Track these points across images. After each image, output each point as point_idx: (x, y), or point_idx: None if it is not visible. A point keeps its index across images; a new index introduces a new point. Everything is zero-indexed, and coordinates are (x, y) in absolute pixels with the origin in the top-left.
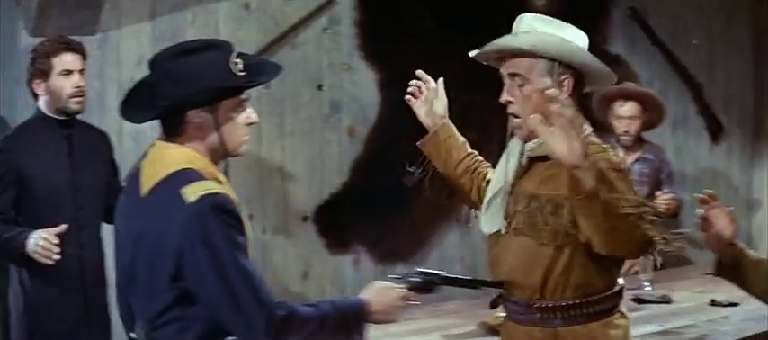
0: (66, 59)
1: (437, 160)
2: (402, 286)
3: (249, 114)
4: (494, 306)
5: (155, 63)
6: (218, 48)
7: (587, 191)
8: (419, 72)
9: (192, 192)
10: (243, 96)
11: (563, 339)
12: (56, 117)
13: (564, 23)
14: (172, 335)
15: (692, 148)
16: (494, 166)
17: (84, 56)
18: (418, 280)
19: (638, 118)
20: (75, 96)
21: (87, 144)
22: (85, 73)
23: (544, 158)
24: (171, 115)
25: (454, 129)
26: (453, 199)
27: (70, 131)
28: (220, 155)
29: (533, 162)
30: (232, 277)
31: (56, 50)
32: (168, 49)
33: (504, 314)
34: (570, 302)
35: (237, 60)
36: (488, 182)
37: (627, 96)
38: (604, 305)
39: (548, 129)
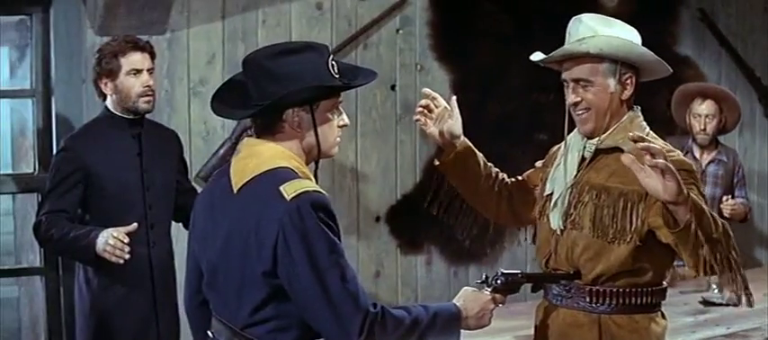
0: (135, 59)
1: (458, 180)
2: (488, 290)
3: (343, 116)
4: (536, 289)
5: (250, 62)
6: (316, 49)
7: (683, 224)
8: (426, 90)
9: (290, 190)
10: (339, 99)
11: (606, 326)
12: (124, 116)
13: (616, 20)
14: (267, 334)
15: (758, 150)
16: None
17: (152, 55)
18: (503, 281)
19: (715, 117)
20: (144, 95)
21: (157, 143)
22: (154, 72)
23: (611, 150)
24: (269, 113)
25: (473, 146)
26: (471, 219)
27: (139, 131)
28: (314, 155)
29: (599, 154)
30: (328, 275)
31: (123, 50)
32: (265, 49)
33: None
34: (620, 289)
35: (334, 63)
36: (520, 183)
37: (705, 94)
38: (650, 298)
39: (641, 167)
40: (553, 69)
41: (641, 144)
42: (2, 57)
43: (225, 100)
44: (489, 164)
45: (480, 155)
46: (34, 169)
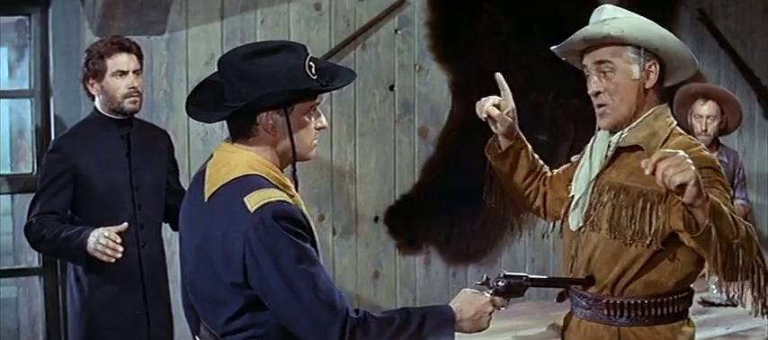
0: (121, 60)
1: (505, 172)
2: (489, 291)
3: (321, 118)
4: (561, 299)
5: (225, 63)
6: (293, 49)
7: (703, 228)
8: (498, 75)
9: (254, 201)
10: (316, 100)
11: (626, 338)
12: (113, 117)
13: (642, 17)
14: None
15: (758, 150)
16: (559, 166)
17: (139, 56)
18: (504, 283)
19: (717, 118)
20: (129, 96)
21: (146, 143)
22: (142, 73)
23: (632, 149)
24: (243, 116)
25: (525, 141)
26: (516, 208)
27: (128, 131)
28: (289, 159)
29: (620, 152)
30: (299, 285)
31: (109, 51)
32: (239, 49)
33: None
34: (639, 301)
35: (311, 63)
36: (555, 179)
37: (707, 95)
38: (673, 308)
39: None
40: (554, 70)
41: (645, 164)
42: (1, 57)
43: (199, 102)
44: (536, 157)
45: (530, 148)
46: (33, 169)
